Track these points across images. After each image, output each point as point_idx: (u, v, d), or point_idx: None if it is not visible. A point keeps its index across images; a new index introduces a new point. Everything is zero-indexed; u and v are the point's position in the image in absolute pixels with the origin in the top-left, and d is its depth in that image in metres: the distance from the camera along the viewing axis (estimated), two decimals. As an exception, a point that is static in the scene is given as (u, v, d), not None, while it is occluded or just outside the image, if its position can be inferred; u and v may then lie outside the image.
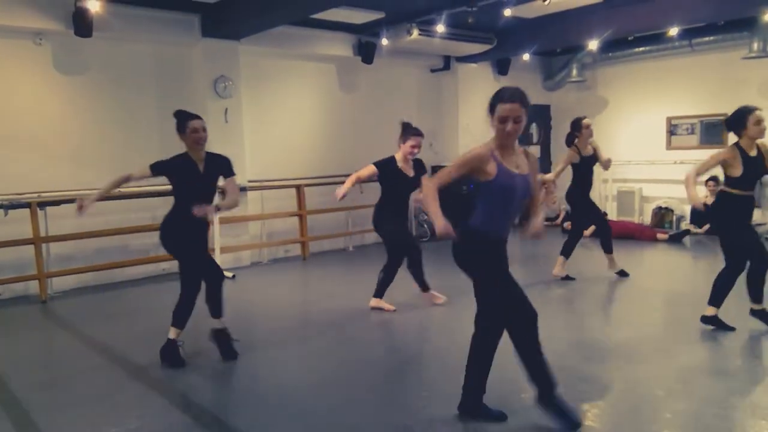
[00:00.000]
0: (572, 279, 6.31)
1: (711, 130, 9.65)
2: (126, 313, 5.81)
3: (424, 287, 5.46)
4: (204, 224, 4.33)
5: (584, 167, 6.43)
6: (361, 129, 9.24)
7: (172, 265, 7.35)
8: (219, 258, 7.26)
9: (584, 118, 6.50)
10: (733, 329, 4.43)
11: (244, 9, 6.69)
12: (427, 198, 3.18)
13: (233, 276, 7.06)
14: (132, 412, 3.46)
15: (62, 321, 5.57)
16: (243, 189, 7.64)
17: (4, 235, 6.03)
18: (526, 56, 10.23)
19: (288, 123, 8.51)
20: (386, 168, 5.24)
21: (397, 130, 9.65)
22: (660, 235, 8.76)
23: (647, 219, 10.05)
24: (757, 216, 9.07)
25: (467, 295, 5.81)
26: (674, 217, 9.70)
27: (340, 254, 8.62)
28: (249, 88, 7.90)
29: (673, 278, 6.74)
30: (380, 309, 5.37)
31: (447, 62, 10.03)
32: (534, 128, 11.33)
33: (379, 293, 5.42)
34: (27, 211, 6.10)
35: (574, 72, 10.57)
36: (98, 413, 3.47)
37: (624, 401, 3.45)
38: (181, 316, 4.26)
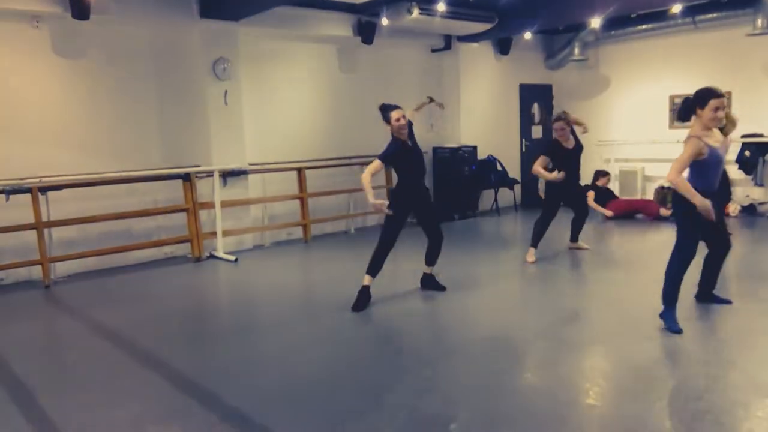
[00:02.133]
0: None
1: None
2: (130, 297, 5.82)
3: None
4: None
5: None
6: (361, 110, 9.17)
7: (176, 249, 7.40)
8: (221, 241, 7.28)
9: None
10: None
11: (243, -11, 6.61)
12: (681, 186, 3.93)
13: (236, 259, 7.06)
14: (137, 396, 3.48)
15: (66, 306, 5.59)
16: (243, 172, 7.64)
17: (6, 221, 6.03)
18: (527, 35, 10.12)
19: (288, 105, 8.45)
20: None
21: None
22: (663, 211, 8.74)
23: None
24: (759, 194, 9.06)
25: (477, 287, 5.83)
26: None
27: (341, 237, 8.62)
28: (248, 69, 7.83)
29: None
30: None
31: (448, 42, 9.93)
32: (535, 108, 11.25)
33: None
34: (28, 196, 6.09)
35: (576, 51, 10.46)
36: (103, 397, 3.49)
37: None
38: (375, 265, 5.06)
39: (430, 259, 5.42)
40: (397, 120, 4.96)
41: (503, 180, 10.15)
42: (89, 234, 6.75)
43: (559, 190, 6.52)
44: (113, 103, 7.04)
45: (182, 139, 7.49)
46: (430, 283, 5.48)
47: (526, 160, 10.48)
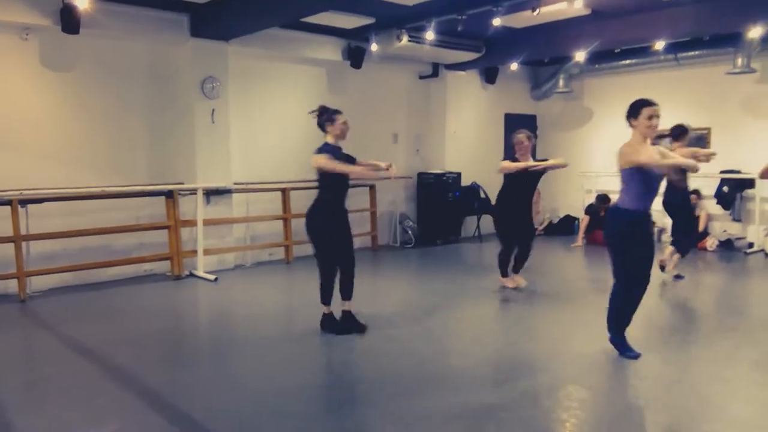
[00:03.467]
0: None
1: (695, 144, 9.76)
2: (107, 313, 5.74)
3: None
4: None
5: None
6: (349, 133, 9.23)
7: (155, 266, 7.32)
8: (201, 260, 7.23)
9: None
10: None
11: (234, 10, 6.67)
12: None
13: (215, 279, 7.01)
14: (112, 415, 3.42)
15: (42, 321, 5.49)
16: (228, 191, 7.63)
17: (-17, 232, 5.95)
18: (514, 65, 10.30)
19: (275, 125, 8.48)
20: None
21: (385, 136, 9.68)
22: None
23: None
24: (736, 229, 9.23)
25: (455, 307, 5.84)
26: (656, 230, 9.79)
27: (324, 258, 8.59)
28: (237, 89, 7.87)
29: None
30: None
31: (436, 69, 10.07)
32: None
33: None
34: (8, 208, 6.02)
35: (561, 82, 10.66)
36: (77, 415, 3.42)
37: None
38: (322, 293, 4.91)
39: (345, 290, 4.90)
40: (344, 123, 4.87)
41: (486, 207, 10.22)
42: (69, 248, 6.66)
43: (509, 222, 6.22)
44: (100, 117, 7.01)
45: (168, 156, 7.48)
46: (350, 321, 4.89)
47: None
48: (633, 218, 4.06)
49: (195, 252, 7.26)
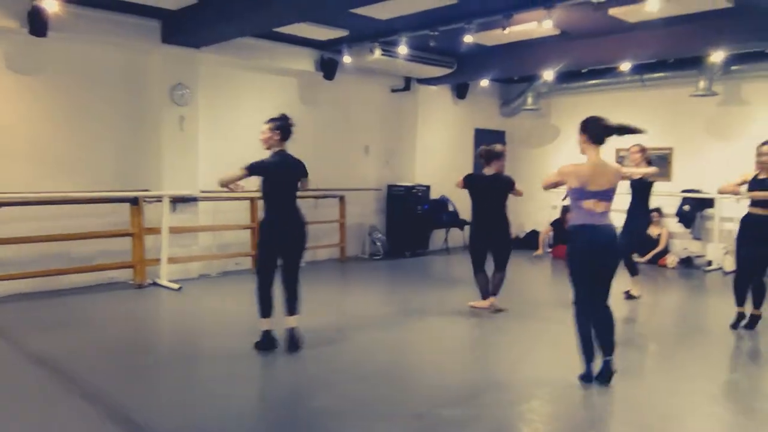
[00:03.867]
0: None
1: (658, 163, 10.01)
2: (65, 323, 5.59)
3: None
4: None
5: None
6: (320, 145, 9.23)
7: (119, 274, 7.17)
8: (165, 268, 7.10)
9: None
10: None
11: (207, 18, 6.62)
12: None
13: (179, 288, 6.89)
14: (68, 427, 3.32)
15: (-4, 329, 5.32)
16: (194, 199, 7.54)
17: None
18: (484, 82, 10.45)
19: (245, 134, 8.38)
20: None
21: (357, 148, 9.72)
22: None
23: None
24: (696, 247, 9.47)
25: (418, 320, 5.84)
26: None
27: (292, 269, 8.52)
28: (207, 97, 7.79)
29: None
30: None
31: (408, 83, 10.15)
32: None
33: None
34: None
35: (530, 100, 10.84)
36: (33, 429, 3.32)
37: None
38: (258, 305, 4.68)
39: (290, 306, 4.72)
40: (262, 132, 4.74)
41: (454, 220, 10.30)
42: (28, 255, 6.48)
43: (478, 237, 6.06)
44: (65, 122, 6.86)
45: (134, 163, 7.35)
46: (290, 337, 4.67)
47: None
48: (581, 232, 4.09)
49: (159, 260, 7.13)
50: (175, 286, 6.92)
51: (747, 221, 5.35)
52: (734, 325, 5.42)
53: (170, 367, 4.48)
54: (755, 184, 5.26)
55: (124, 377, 4.20)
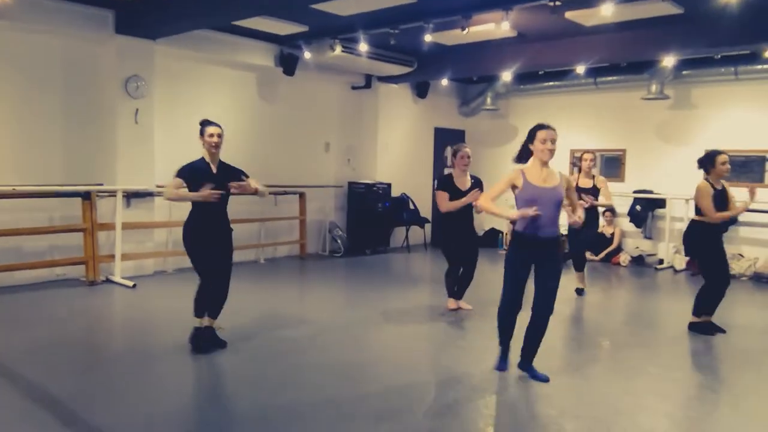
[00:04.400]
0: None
1: (611, 164, 10.32)
2: (13, 320, 5.41)
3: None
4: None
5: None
6: (279, 140, 9.16)
7: (69, 271, 6.97)
8: (119, 265, 6.94)
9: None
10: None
11: (163, 9, 6.50)
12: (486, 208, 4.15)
13: (134, 285, 6.75)
14: (15, 428, 3.22)
15: (-63, 327, 5.11)
16: (149, 194, 7.39)
17: None
18: (444, 81, 10.54)
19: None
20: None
21: (317, 145, 9.66)
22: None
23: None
24: (647, 246, 9.76)
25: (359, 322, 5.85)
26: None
27: (250, 266, 8.45)
28: (163, 89, 7.64)
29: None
30: None
31: (368, 81, 10.15)
32: (449, 152, 11.63)
33: None
34: None
35: (489, 100, 10.98)
36: (-29, 428, 3.20)
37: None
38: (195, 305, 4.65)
39: (213, 308, 4.66)
40: (210, 135, 4.48)
41: (415, 218, 10.36)
42: (-29, 250, 6.25)
43: (452, 241, 5.98)
44: (13, 113, 6.64)
45: (86, 156, 7.16)
46: (207, 336, 4.62)
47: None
48: (517, 237, 4.10)
49: (113, 257, 6.96)
50: (129, 283, 6.77)
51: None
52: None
53: (122, 365, 4.37)
54: (717, 195, 5.19)
55: (75, 377, 4.09)
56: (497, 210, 4.17)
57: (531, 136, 4.03)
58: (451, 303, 6.18)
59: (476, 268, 6.06)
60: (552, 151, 3.95)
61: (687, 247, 5.71)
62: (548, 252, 3.99)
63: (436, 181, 6.04)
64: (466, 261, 6.01)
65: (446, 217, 5.87)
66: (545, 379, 4.10)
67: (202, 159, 4.56)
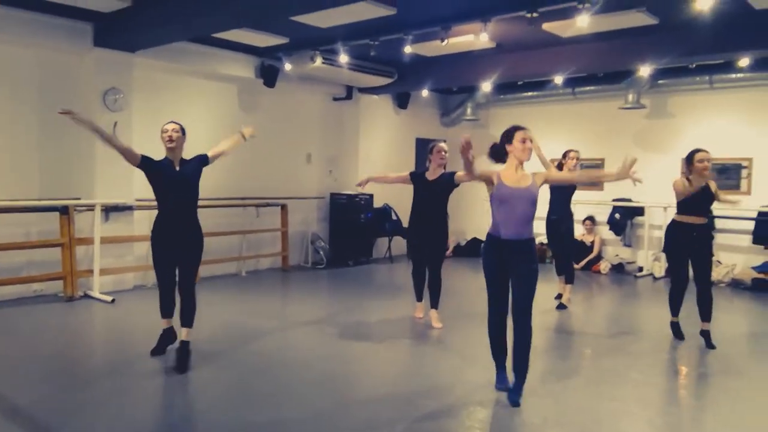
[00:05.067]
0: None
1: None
2: (-13, 337, 5.29)
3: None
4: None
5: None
6: (260, 152, 9.12)
7: (46, 287, 6.86)
8: (97, 280, 6.84)
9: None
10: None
11: (142, 21, 6.45)
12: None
13: (112, 300, 6.65)
14: (-16, 448, 3.14)
15: None
16: (129, 208, 7.31)
17: None
18: (425, 92, 10.60)
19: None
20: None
21: (298, 156, 9.62)
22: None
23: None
24: (627, 254, 9.85)
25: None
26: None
27: (231, 279, 8.38)
28: (142, 102, 7.58)
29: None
30: None
31: (349, 92, 10.17)
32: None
33: None
34: None
35: (469, 110, 11.07)
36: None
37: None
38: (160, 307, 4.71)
39: (184, 318, 4.57)
40: (164, 131, 4.50)
41: (397, 229, 10.36)
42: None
43: (416, 238, 5.85)
44: (-13, 126, 6.54)
45: (64, 170, 7.06)
46: (181, 351, 4.55)
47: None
48: (489, 240, 4.11)
49: (91, 271, 6.86)
50: (108, 298, 6.68)
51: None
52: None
53: (100, 382, 4.29)
54: (693, 194, 5.22)
55: (50, 394, 4.00)
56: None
57: (509, 136, 4.08)
58: (418, 310, 6.12)
59: (441, 271, 5.82)
60: (530, 150, 4.02)
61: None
62: (521, 254, 3.91)
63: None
64: (430, 259, 5.80)
65: (412, 211, 5.85)
66: (514, 403, 3.88)
67: (166, 158, 4.58)
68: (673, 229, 5.44)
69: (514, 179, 4.00)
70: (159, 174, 4.49)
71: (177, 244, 4.52)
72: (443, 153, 5.77)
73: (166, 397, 4.06)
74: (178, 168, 4.56)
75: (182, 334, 4.59)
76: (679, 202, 5.35)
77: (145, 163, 4.46)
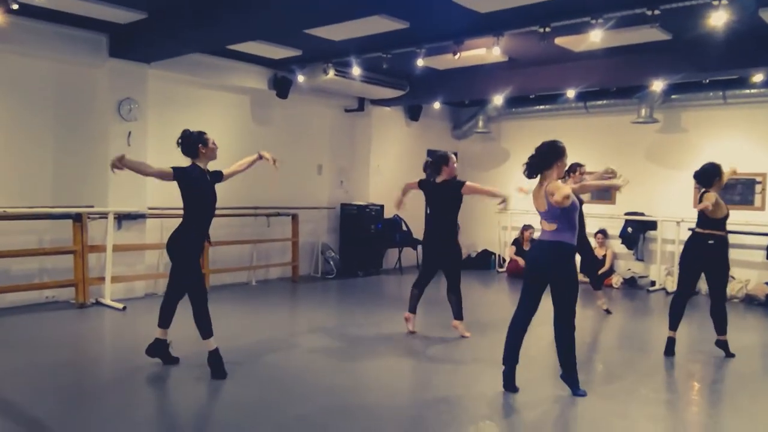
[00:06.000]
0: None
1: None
2: (3, 343, 5.34)
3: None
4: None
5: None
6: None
7: (58, 293, 6.91)
8: (109, 287, 6.90)
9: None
10: None
11: (157, 33, 6.54)
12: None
13: (123, 307, 6.69)
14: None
15: None
16: (141, 216, 7.37)
17: None
18: (436, 105, 10.63)
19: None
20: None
21: (310, 166, 9.66)
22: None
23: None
24: (639, 268, 9.78)
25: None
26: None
27: (242, 288, 8.41)
28: (156, 112, 7.66)
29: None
30: None
31: (361, 104, 10.23)
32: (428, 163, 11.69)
33: None
34: None
35: (481, 123, 11.07)
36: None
37: None
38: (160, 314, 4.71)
39: (165, 320, 4.72)
40: (214, 142, 4.66)
41: (407, 240, 10.37)
42: (-40, 272, 6.20)
43: (429, 246, 5.86)
44: (4, 135, 6.63)
45: (78, 178, 7.15)
46: (159, 350, 4.73)
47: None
48: (573, 253, 4.22)
49: (103, 279, 6.92)
50: (119, 305, 6.72)
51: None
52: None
53: (110, 390, 4.32)
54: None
55: (61, 401, 4.03)
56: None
57: (561, 154, 4.31)
58: (410, 322, 6.02)
59: (460, 283, 5.87)
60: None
61: None
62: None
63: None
64: (447, 274, 5.84)
65: (425, 223, 5.97)
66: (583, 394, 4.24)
67: (197, 166, 4.59)
68: (689, 239, 5.47)
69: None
70: (194, 182, 4.50)
71: (201, 253, 4.65)
72: (455, 165, 5.86)
73: (176, 405, 4.07)
74: (209, 178, 4.64)
75: (160, 333, 4.73)
76: (707, 215, 5.27)
77: (178, 175, 4.47)
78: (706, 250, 5.29)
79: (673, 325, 5.46)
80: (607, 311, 7.30)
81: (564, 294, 4.18)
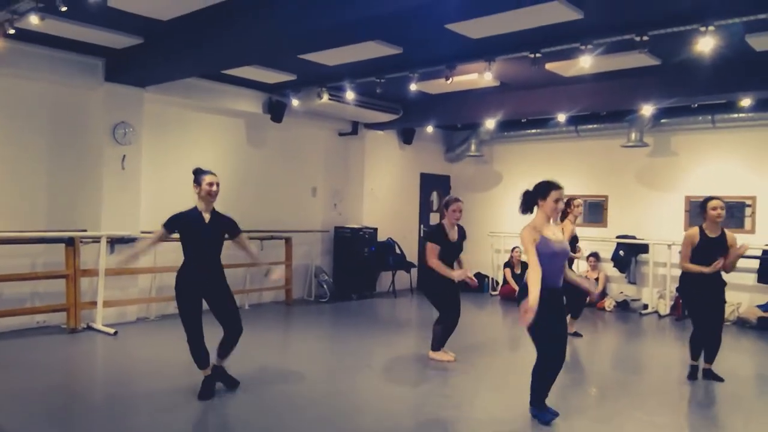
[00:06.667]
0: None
1: (594, 210, 10.46)
2: (-10, 368, 5.28)
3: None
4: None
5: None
6: (266, 186, 9.20)
7: (48, 318, 6.85)
8: (100, 312, 6.84)
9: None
10: None
11: (152, 58, 6.59)
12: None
13: (115, 332, 6.64)
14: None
15: None
16: (134, 239, 7.35)
17: None
18: (429, 128, 10.72)
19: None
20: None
21: (304, 190, 9.70)
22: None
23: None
24: (632, 291, 9.81)
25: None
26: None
27: (234, 312, 8.34)
28: (151, 136, 7.69)
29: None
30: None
31: (355, 127, 10.30)
32: (434, 196, 11.76)
33: None
34: None
35: (473, 147, 11.16)
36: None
37: None
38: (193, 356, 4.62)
39: (223, 351, 4.72)
40: (210, 184, 4.52)
41: (401, 263, 10.36)
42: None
43: (449, 287, 5.82)
44: (-2, 158, 6.63)
45: (70, 202, 7.13)
46: (220, 377, 4.77)
47: (423, 245, 10.81)
48: (545, 295, 3.89)
49: (95, 303, 6.87)
50: (111, 330, 6.66)
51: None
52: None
53: (101, 415, 4.27)
54: (706, 243, 5.21)
55: (52, 427, 3.98)
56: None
57: (544, 192, 4.15)
58: (436, 355, 5.95)
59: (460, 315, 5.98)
60: (560, 212, 4.26)
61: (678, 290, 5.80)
62: (561, 301, 4.18)
63: (424, 230, 6.10)
64: (456, 309, 5.93)
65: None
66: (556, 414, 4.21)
67: (195, 208, 4.55)
68: (686, 275, 5.36)
69: (552, 233, 4.11)
70: (188, 224, 4.49)
71: (206, 293, 4.56)
72: (459, 213, 5.83)
73: (167, 429, 4.03)
74: (207, 220, 4.54)
75: (218, 361, 4.70)
76: (682, 251, 5.30)
77: (174, 229, 4.49)
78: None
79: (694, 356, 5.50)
80: (576, 334, 7.11)
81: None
